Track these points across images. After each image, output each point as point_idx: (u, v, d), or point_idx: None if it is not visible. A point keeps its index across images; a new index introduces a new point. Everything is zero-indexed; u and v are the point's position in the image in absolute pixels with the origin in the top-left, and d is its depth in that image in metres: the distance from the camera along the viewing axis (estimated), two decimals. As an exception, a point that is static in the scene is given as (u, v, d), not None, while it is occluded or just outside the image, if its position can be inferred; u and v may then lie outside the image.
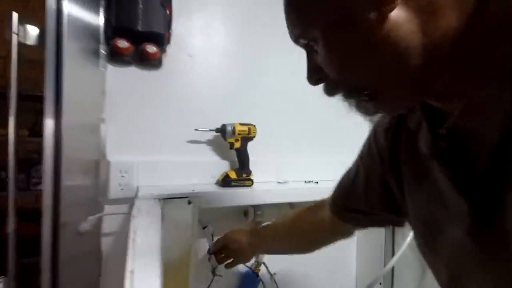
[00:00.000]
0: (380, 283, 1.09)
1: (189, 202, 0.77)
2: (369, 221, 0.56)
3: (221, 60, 0.98)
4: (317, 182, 1.10)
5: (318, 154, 1.17)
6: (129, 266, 0.47)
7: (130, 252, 0.52)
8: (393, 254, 1.08)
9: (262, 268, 1.01)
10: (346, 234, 0.66)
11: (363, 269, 1.20)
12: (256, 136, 0.96)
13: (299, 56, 1.13)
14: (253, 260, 0.99)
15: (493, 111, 0.29)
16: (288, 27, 0.37)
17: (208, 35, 0.96)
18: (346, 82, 0.35)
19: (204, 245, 0.90)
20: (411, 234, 0.99)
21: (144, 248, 0.53)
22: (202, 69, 0.94)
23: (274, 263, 1.04)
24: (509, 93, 0.27)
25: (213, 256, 0.79)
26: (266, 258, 1.04)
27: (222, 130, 0.91)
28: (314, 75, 0.38)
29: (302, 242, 0.71)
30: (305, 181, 1.10)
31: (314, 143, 1.16)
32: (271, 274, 1.03)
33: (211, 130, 0.90)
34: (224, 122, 0.92)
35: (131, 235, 0.56)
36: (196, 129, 0.89)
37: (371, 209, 0.54)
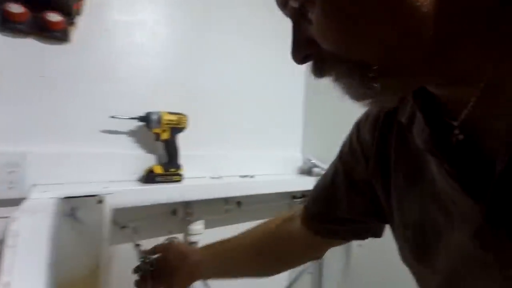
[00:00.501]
0: (311, 273, 1.11)
1: (99, 201, 0.65)
2: (349, 231, 0.50)
3: (147, 40, 0.87)
4: (252, 176, 1.06)
5: (255, 148, 1.14)
6: (4, 277, 0.37)
7: (7, 261, 0.41)
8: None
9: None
10: (318, 252, 0.58)
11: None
12: (187, 127, 0.88)
13: (238, 43, 1.07)
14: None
15: None
16: None
17: (133, 11, 0.84)
18: (349, 55, 0.28)
19: (124, 252, 0.78)
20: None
21: (26, 257, 0.42)
22: (122, 48, 0.82)
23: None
24: None
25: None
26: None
27: (146, 118, 0.80)
28: (303, 50, 0.31)
29: (266, 262, 0.58)
30: (240, 176, 1.06)
31: (250, 136, 1.13)
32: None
33: (132, 118, 0.79)
34: (149, 110, 0.82)
35: (9, 241, 0.44)
36: (112, 116, 0.76)
37: (353, 215, 0.48)
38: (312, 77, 0.32)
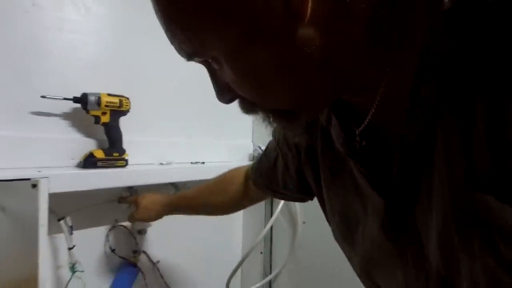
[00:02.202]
0: (261, 252, 1.16)
1: (33, 186, 0.60)
2: (283, 196, 0.62)
3: (81, 17, 0.80)
4: (203, 163, 1.06)
5: (206, 136, 1.14)
6: None
7: None
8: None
9: (142, 257, 0.91)
10: (249, 200, 0.70)
11: (247, 241, 1.24)
12: (130, 110, 0.84)
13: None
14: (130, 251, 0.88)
15: (410, 107, 0.28)
16: (172, 42, 0.29)
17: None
18: (264, 105, 0.31)
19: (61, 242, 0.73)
20: (281, 204, 1.10)
21: None
22: (53, 23, 0.75)
23: (156, 252, 0.95)
24: (428, 88, 0.26)
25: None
26: (148, 246, 0.94)
27: (82, 99, 0.75)
28: (226, 94, 0.32)
29: (212, 196, 0.74)
30: (191, 162, 1.05)
31: (200, 124, 1.12)
32: (153, 263, 0.93)
33: (66, 99, 0.73)
34: (86, 91, 0.76)
35: None
36: (43, 96, 0.70)
37: (287, 192, 0.57)
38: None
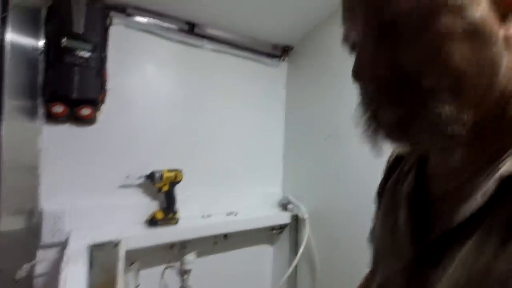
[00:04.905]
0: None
1: (115, 245, 0.91)
2: None
3: (147, 115, 1.14)
4: (236, 214, 1.30)
5: (238, 187, 1.38)
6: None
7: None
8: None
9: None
10: None
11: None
12: (182, 179, 1.13)
13: (228, 101, 1.29)
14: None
15: (472, 189, 0.30)
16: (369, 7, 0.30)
17: (142, 92, 1.12)
18: (436, 73, 0.28)
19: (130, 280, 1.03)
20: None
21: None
22: (131, 123, 1.09)
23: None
24: (490, 181, 0.28)
25: None
26: (193, 284, 1.20)
27: (151, 176, 1.06)
28: (382, 69, 0.30)
29: None
30: (227, 213, 1.29)
31: (238, 176, 1.37)
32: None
33: (140, 177, 1.05)
34: (154, 168, 1.08)
35: (61, 284, 0.69)
36: (127, 177, 1.03)
37: None
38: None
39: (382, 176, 0.52)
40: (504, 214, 0.27)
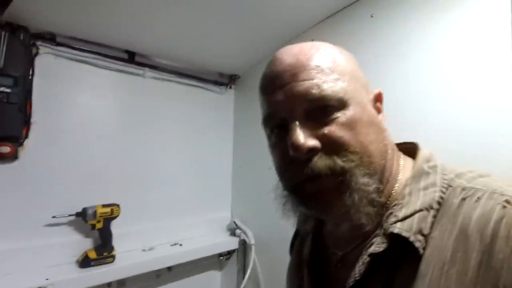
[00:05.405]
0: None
1: (41, 293, 0.84)
2: None
3: (80, 147, 1.08)
4: (181, 245, 1.26)
5: (186, 215, 1.35)
6: None
7: None
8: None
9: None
10: None
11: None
12: (119, 215, 1.08)
13: (163, 130, 1.24)
14: None
15: (356, 259, 0.37)
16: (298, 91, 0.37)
17: (73, 124, 1.06)
18: (358, 146, 0.35)
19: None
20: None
21: None
22: (61, 157, 1.02)
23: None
24: (364, 257, 0.35)
25: None
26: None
27: (82, 214, 1.00)
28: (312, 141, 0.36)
29: None
30: (171, 244, 1.26)
31: (180, 204, 1.34)
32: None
33: (70, 216, 0.99)
34: (88, 204, 1.02)
35: None
36: (53, 216, 0.96)
37: None
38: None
39: (293, 234, 0.58)
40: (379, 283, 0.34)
